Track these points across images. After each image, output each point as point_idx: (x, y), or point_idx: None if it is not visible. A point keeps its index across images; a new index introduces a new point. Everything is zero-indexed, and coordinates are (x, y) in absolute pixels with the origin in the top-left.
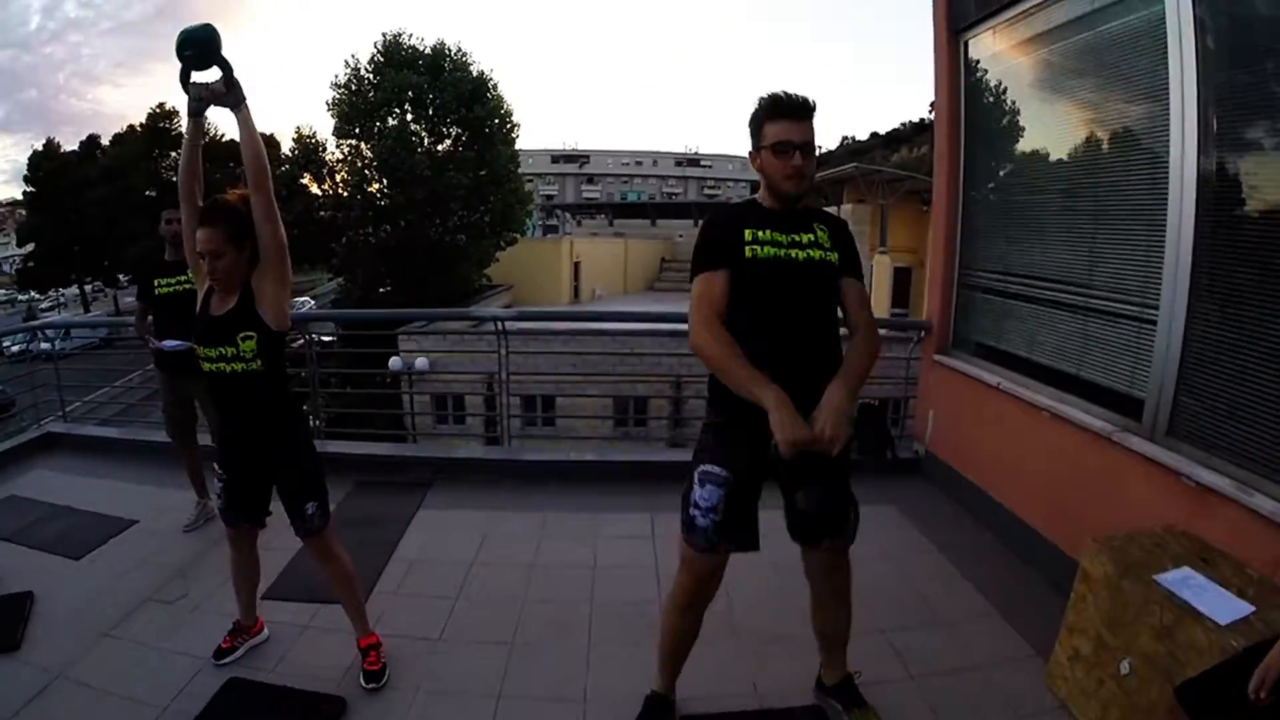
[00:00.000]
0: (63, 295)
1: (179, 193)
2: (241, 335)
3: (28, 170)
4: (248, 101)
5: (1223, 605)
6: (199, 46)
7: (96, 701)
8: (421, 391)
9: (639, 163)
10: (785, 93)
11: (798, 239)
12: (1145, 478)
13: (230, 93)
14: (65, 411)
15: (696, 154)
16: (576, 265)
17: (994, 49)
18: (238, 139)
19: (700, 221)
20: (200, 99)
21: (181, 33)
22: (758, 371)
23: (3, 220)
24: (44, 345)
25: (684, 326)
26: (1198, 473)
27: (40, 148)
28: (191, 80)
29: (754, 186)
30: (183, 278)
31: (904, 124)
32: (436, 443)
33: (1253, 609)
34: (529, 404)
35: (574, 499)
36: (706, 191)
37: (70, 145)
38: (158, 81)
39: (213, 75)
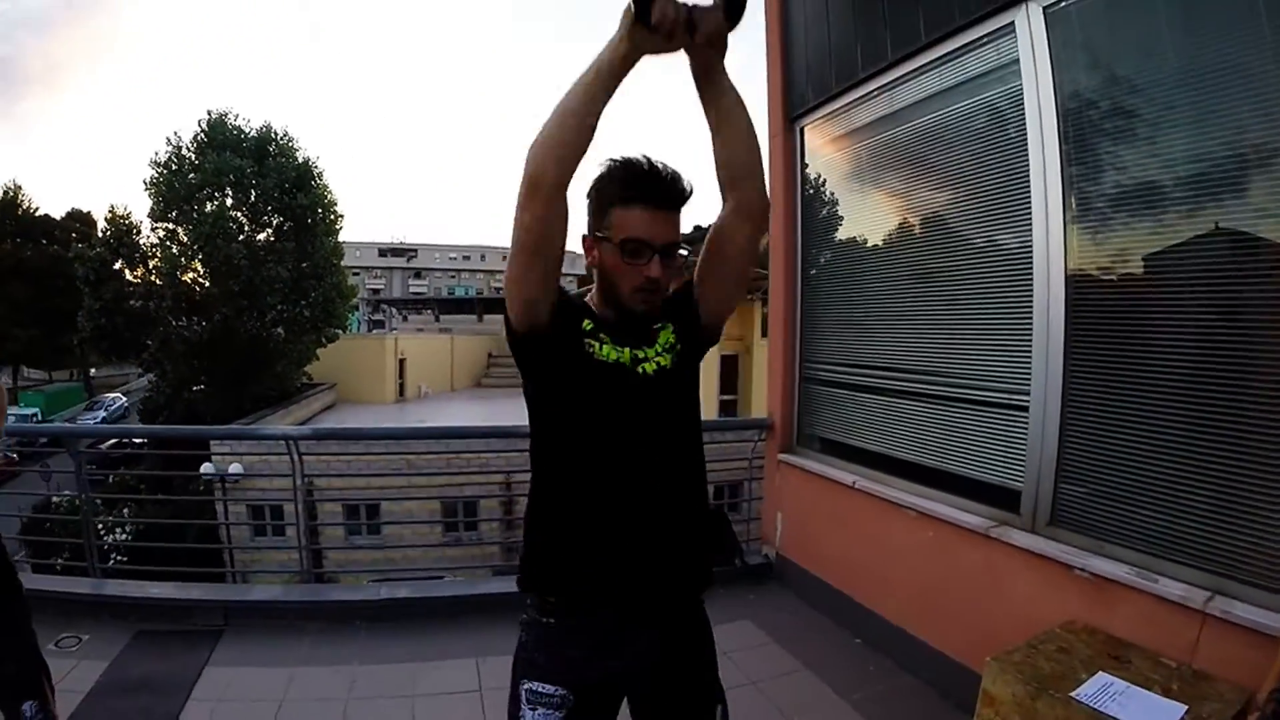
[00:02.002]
0: None
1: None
2: None
3: None
4: None
5: (1153, 712)
6: None
7: None
8: (237, 500)
9: (467, 257)
10: (649, 162)
11: (642, 353)
12: (1030, 571)
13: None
14: None
15: None
16: (402, 362)
17: (832, 134)
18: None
19: None
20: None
21: None
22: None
23: None
24: None
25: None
26: (1091, 562)
27: None
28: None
29: (580, 281)
30: None
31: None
32: (232, 585)
33: (1185, 708)
34: (352, 511)
35: (389, 646)
36: None
37: None
38: None
39: None
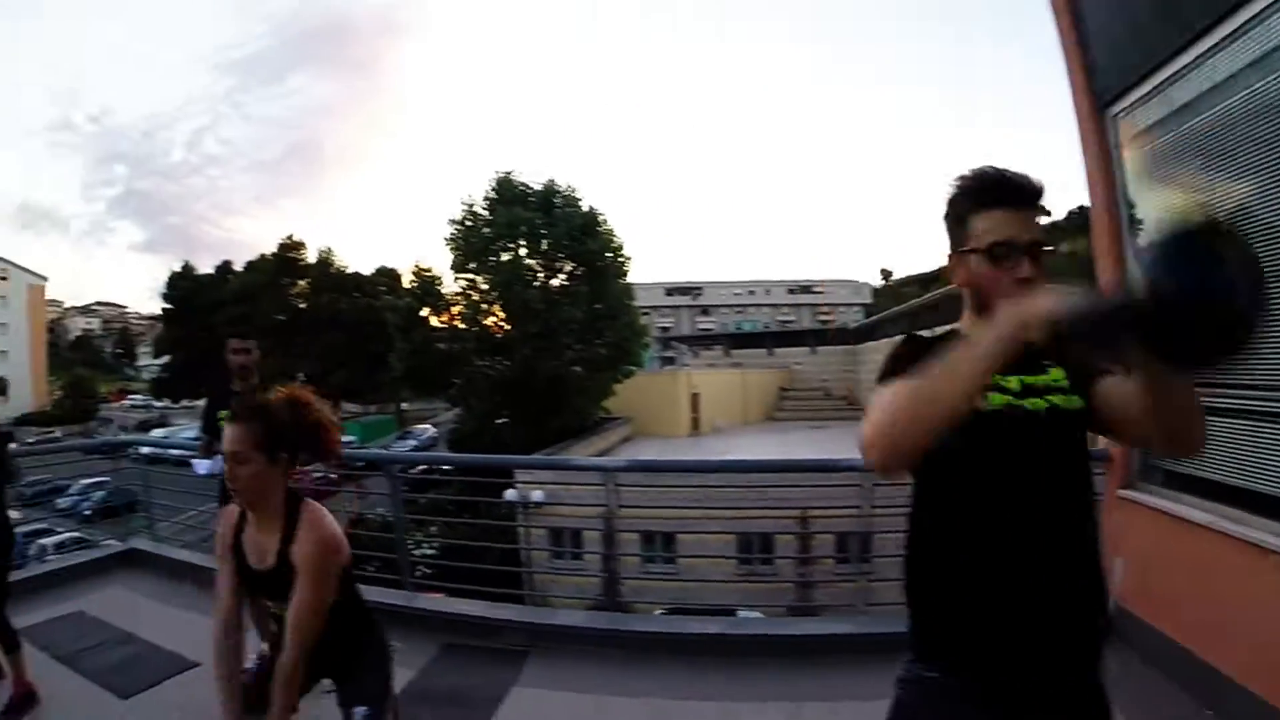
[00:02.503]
0: (194, 404)
1: None
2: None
3: (165, 289)
4: None
5: None
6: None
7: None
8: (539, 525)
9: (751, 292)
10: (996, 168)
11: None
12: None
13: None
14: (153, 528)
15: (808, 281)
16: (695, 397)
17: (1151, 118)
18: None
19: (817, 348)
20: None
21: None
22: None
23: (144, 332)
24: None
25: (808, 462)
26: None
27: (179, 269)
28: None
29: (868, 311)
30: None
31: None
32: (536, 606)
33: None
34: (648, 539)
35: (695, 682)
36: (820, 318)
37: (206, 268)
38: (288, 215)
39: None
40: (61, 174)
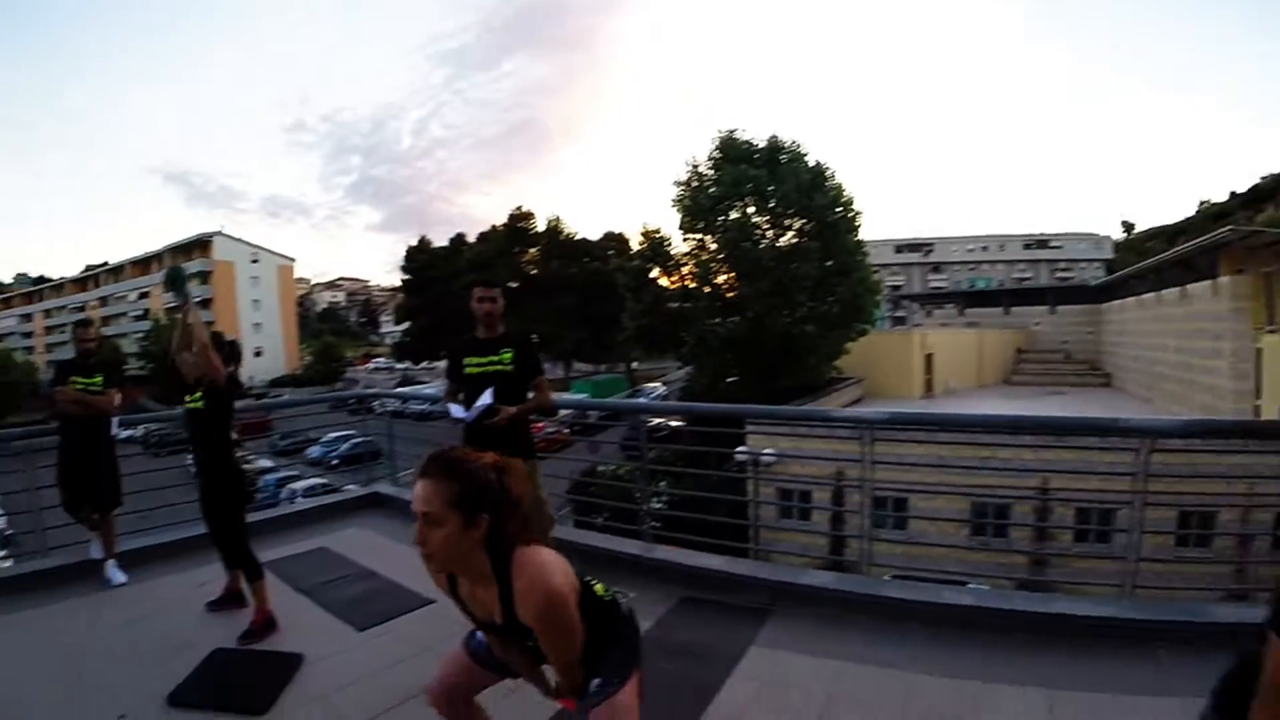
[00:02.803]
0: (434, 365)
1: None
2: (530, 643)
3: (405, 262)
4: None
5: None
6: None
7: None
8: (773, 481)
9: (985, 248)
10: None
11: None
12: None
13: None
14: (396, 475)
15: (1045, 235)
16: (928, 358)
17: None
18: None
19: (1056, 307)
20: None
21: None
22: None
23: (386, 302)
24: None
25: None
26: None
27: (415, 244)
28: None
29: (1109, 267)
30: (493, 358)
31: (1265, 177)
32: (777, 563)
33: None
34: (878, 503)
35: (947, 657)
36: (1058, 275)
37: (441, 242)
38: (516, 189)
39: None
40: (301, 168)
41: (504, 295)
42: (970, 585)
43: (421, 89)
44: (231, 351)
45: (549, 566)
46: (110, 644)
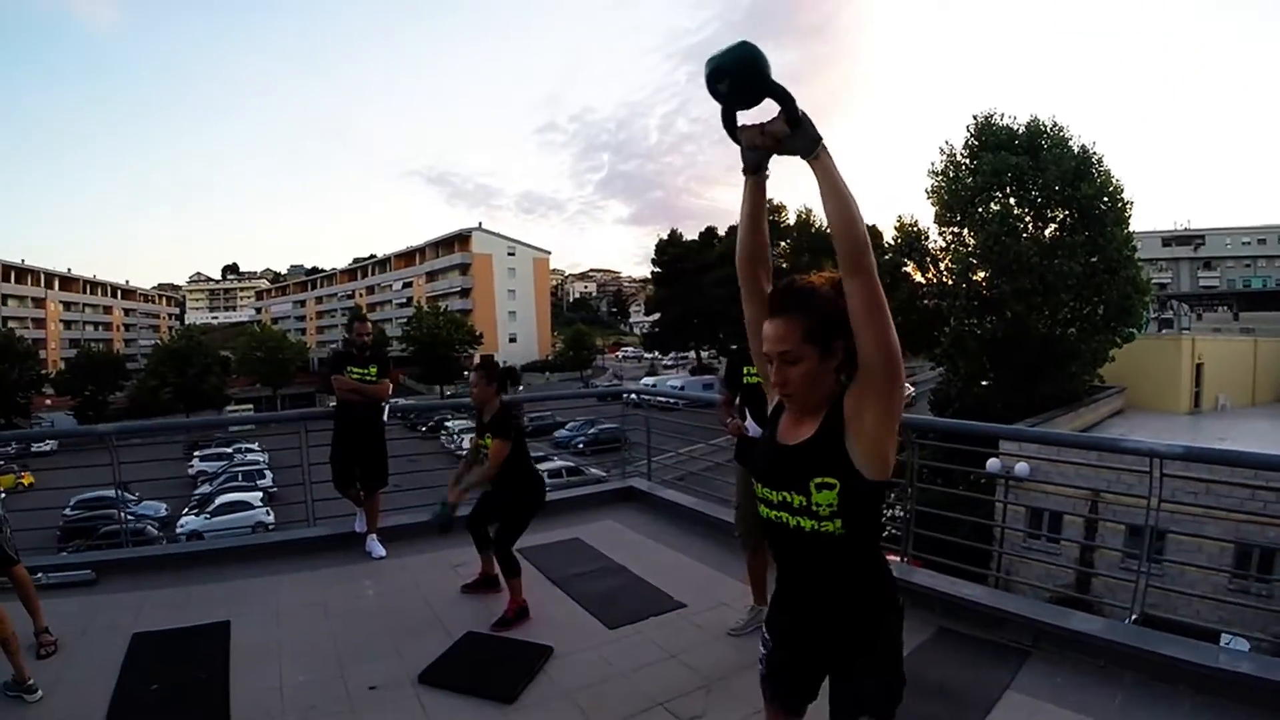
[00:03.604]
0: (683, 357)
1: (740, 279)
2: (817, 481)
3: (655, 254)
4: (826, 145)
5: None
6: (737, 76)
7: None
8: (1016, 502)
9: (1263, 240)
10: None
11: None
12: None
13: (797, 134)
14: (649, 468)
15: None
16: (1198, 368)
17: None
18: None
19: None
20: (754, 147)
21: (710, 61)
22: None
23: (635, 293)
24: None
25: None
26: None
27: (665, 236)
28: (739, 124)
29: None
30: None
31: None
32: (1044, 604)
33: None
34: (1133, 531)
35: None
36: None
37: (690, 235)
38: (767, 182)
39: (767, 111)
40: (554, 166)
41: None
42: (1224, 639)
43: (665, 86)
44: (506, 378)
45: None
46: (367, 614)
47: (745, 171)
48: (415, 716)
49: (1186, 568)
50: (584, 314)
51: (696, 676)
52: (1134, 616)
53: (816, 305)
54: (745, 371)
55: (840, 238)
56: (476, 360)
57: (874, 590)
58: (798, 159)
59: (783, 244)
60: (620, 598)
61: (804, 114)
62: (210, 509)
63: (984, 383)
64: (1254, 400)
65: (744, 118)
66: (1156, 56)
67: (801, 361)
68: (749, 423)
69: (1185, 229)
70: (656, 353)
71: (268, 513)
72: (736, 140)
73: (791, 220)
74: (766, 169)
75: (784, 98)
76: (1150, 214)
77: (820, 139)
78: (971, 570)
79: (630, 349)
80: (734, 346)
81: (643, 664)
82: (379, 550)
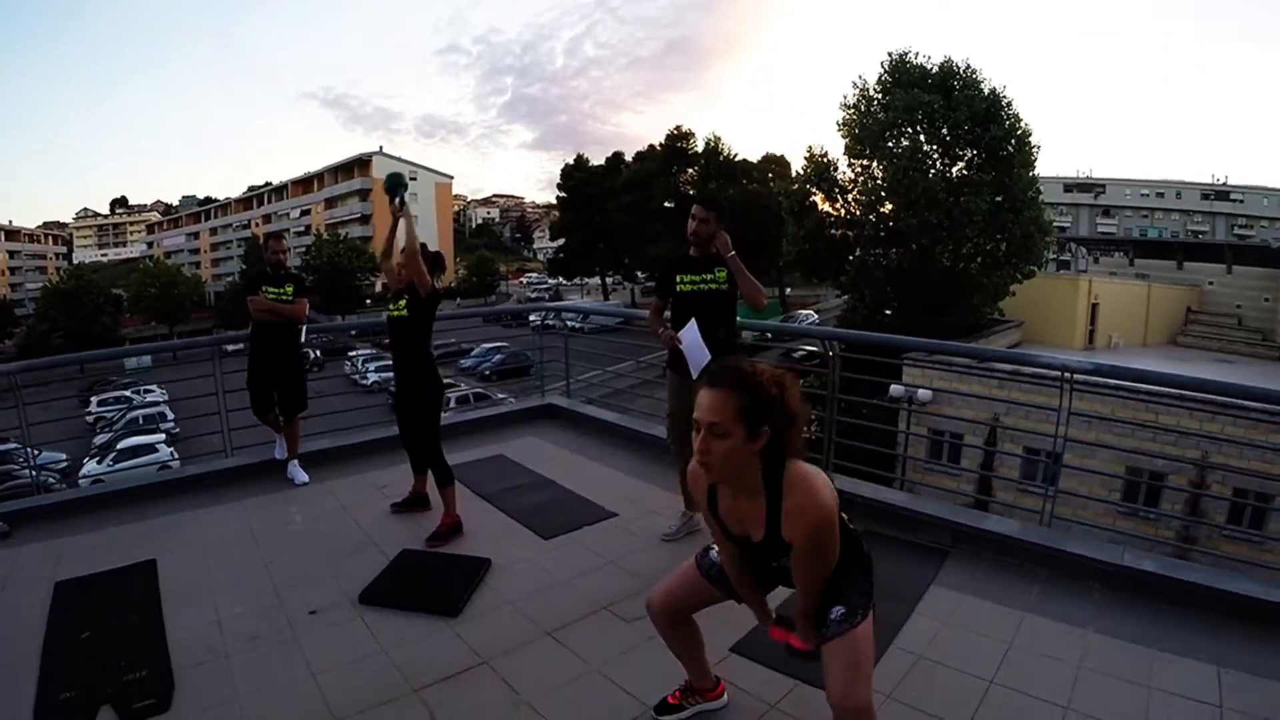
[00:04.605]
0: (585, 282)
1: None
2: (783, 559)
3: (560, 179)
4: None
5: None
6: None
7: (512, 707)
8: (917, 427)
9: (1160, 194)
10: None
11: None
12: None
13: None
14: (569, 387)
15: (1225, 185)
16: (1094, 307)
17: None
18: None
19: (1233, 268)
20: None
21: None
22: None
23: (539, 219)
24: (569, 324)
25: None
26: None
27: (571, 162)
28: None
29: None
30: (707, 275)
31: None
32: (955, 505)
33: None
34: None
35: (1124, 621)
36: (1237, 231)
37: (597, 161)
38: (672, 109)
39: None
40: (456, 89)
41: (719, 219)
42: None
43: (573, 8)
44: (435, 262)
45: (821, 485)
46: (297, 541)
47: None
48: (361, 637)
49: (1086, 487)
50: (487, 240)
51: (636, 580)
52: (1045, 521)
53: (752, 388)
54: (678, 279)
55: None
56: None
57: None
58: None
59: (690, 170)
60: (551, 510)
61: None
62: (111, 455)
63: (887, 312)
64: (1145, 341)
65: None
66: (1074, 9)
67: (728, 438)
68: (688, 329)
69: (1087, 177)
70: (561, 278)
71: (173, 455)
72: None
73: (700, 147)
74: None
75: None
76: (1055, 161)
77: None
78: (883, 475)
79: (534, 275)
80: (665, 256)
81: (582, 570)
82: (302, 476)
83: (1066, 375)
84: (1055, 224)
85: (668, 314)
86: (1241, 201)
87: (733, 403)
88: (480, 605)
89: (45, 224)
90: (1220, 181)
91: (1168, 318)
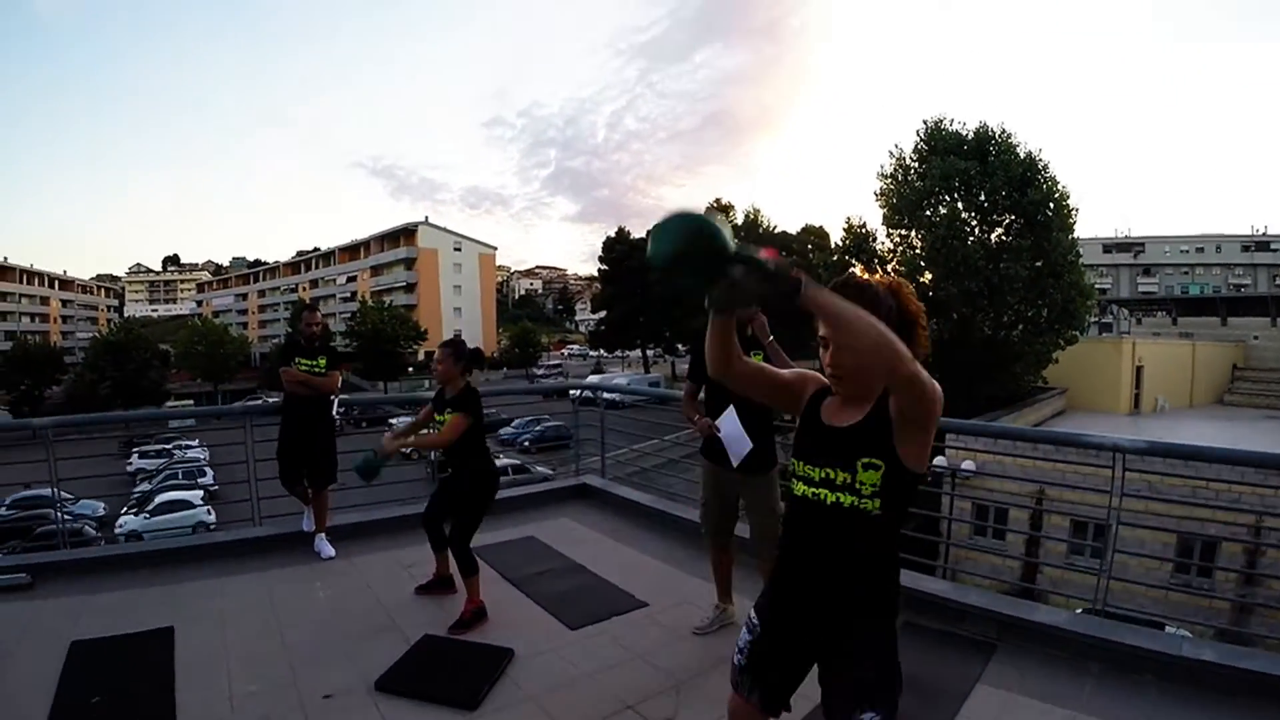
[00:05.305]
0: (626, 355)
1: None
2: (864, 460)
3: (602, 252)
4: (807, 283)
5: None
6: (690, 270)
7: None
8: (962, 495)
9: (1200, 249)
10: None
11: None
12: None
13: (771, 287)
14: (604, 466)
15: (1266, 236)
16: (1139, 370)
17: None
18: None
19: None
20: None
21: (654, 256)
22: None
23: (581, 291)
24: (606, 396)
25: None
26: None
27: (613, 234)
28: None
29: None
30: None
31: None
32: (1006, 597)
33: None
34: (1079, 528)
35: (1183, 714)
36: (1279, 282)
37: (638, 234)
38: (710, 181)
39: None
40: (500, 161)
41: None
42: (1168, 629)
43: (614, 83)
44: (475, 359)
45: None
46: (317, 618)
47: (715, 313)
48: None
49: (1137, 560)
50: (529, 311)
51: (665, 677)
52: (1097, 609)
53: (869, 300)
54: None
55: (875, 360)
56: (446, 339)
57: (890, 576)
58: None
59: None
60: (580, 597)
61: (774, 266)
62: (149, 508)
63: None
64: (1191, 402)
65: None
66: (1104, 70)
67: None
68: (726, 417)
69: (1126, 236)
70: (602, 350)
71: (209, 512)
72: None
73: (740, 219)
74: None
75: (753, 264)
76: (1092, 221)
77: (798, 284)
78: (924, 563)
79: (576, 347)
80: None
81: (608, 665)
82: (328, 550)
83: (1119, 454)
84: (1096, 285)
85: (702, 397)
86: None
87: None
88: (500, 699)
89: (98, 276)
90: (1260, 232)
91: (1214, 376)
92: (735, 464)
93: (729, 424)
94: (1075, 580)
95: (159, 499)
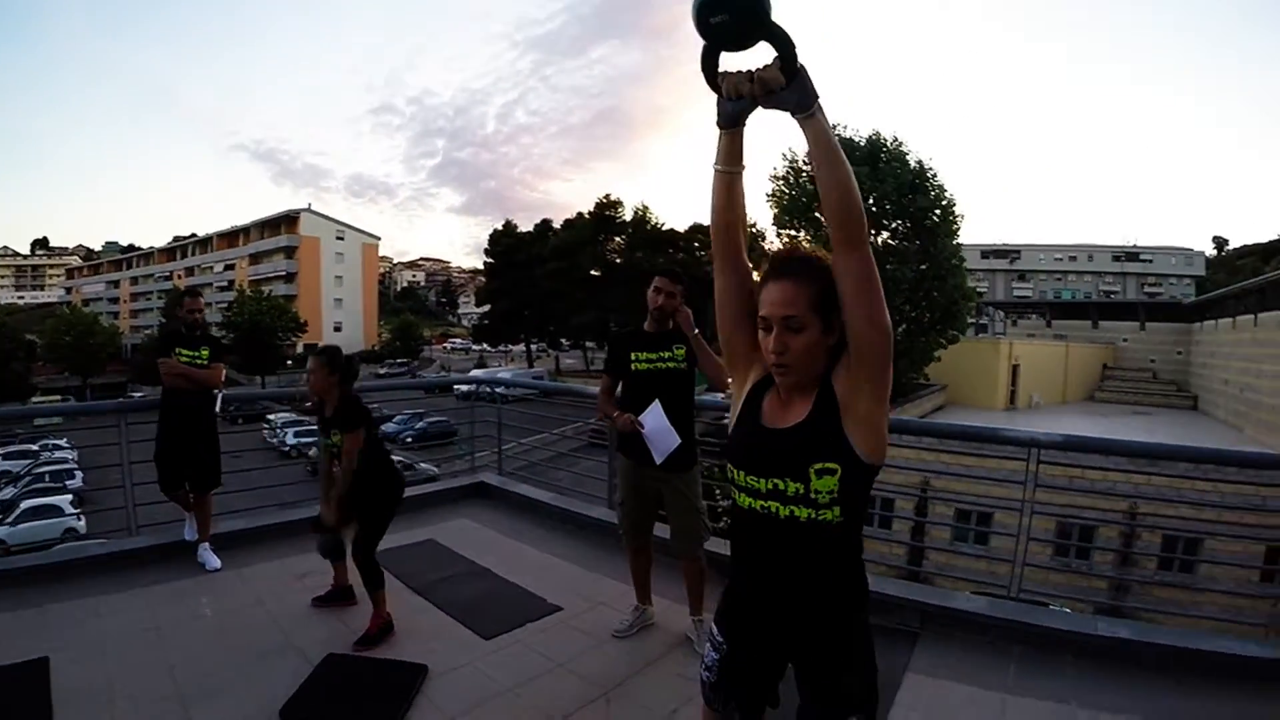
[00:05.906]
0: (510, 349)
1: (713, 247)
2: (817, 467)
3: (488, 245)
4: (821, 103)
5: None
6: (738, 9)
7: None
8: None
9: (1073, 258)
10: None
11: None
12: None
13: (793, 86)
14: (500, 464)
15: (1135, 247)
16: (1015, 368)
17: None
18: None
19: (1146, 324)
20: (739, 97)
21: None
22: None
23: (465, 284)
24: (497, 390)
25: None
26: None
27: (500, 227)
28: (721, 70)
29: (1200, 284)
30: (665, 353)
31: None
32: (930, 587)
33: None
34: (962, 516)
35: (1107, 691)
36: (1147, 289)
37: (524, 227)
38: (600, 177)
39: (757, 56)
40: (387, 149)
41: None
42: (1052, 607)
43: (508, 75)
44: (349, 371)
45: None
46: (208, 638)
47: (721, 125)
48: None
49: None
50: (412, 304)
51: (591, 686)
52: (1011, 595)
53: (821, 274)
54: (633, 356)
55: (837, 207)
56: (319, 347)
57: (856, 580)
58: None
59: (617, 239)
60: (491, 604)
61: (803, 65)
62: (13, 516)
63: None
64: (1064, 398)
65: (726, 62)
66: (988, 85)
67: (805, 330)
68: (651, 411)
69: (1004, 244)
70: (485, 345)
71: (79, 518)
72: (715, 87)
73: (628, 216)
74: (744, 123)
75: (784, 42)
76: (971, 228)
77: (818, 95)
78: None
79: (458, 340)
80: (615, 328)
81: (530, 676)
82: (213, 561)
83: (1033, 454)
84: (975, 289)
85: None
86: (1151, 261)
87: (806, 292)
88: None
89: None
90: (1131, 243)
91: (1085, 375)
92: (659, 460)
93: (654, 419)
94: (958, 564)
95: (24, 505)
